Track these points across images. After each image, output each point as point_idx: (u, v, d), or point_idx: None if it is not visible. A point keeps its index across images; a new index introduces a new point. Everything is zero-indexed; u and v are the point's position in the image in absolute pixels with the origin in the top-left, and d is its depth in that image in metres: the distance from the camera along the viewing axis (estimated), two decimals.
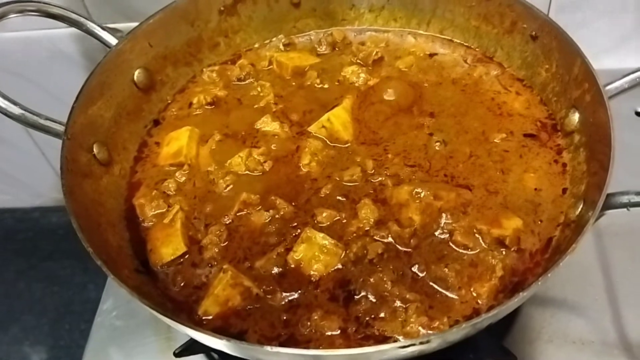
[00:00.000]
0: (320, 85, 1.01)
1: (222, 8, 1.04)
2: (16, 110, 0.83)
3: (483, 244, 0.79)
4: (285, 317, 0.75)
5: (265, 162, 0.90)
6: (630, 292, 0.92)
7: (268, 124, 0.95)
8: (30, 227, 1.69)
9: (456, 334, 0.62)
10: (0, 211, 1.68)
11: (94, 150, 0.88)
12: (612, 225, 0.97)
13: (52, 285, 1.57)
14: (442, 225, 0.80)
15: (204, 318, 0.76)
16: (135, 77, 0.97)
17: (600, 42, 1.20)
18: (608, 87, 0.80)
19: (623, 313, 0.90)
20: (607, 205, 0.69)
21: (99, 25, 0.95)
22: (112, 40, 0.95)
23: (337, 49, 1.08)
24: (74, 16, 0.94)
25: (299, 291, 0.77)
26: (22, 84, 1.35)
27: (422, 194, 0.81)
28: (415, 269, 0.77)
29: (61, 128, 0.84)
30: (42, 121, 0.85)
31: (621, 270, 0.94)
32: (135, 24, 0.98)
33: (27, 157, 1.49)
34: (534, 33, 0.93)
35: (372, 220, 0.81)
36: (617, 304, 0.91)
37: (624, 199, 0.70)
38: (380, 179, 0.86)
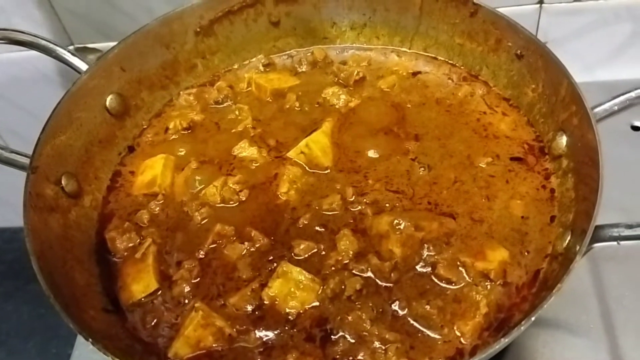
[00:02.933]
0: (299, 108, 0.97)
1: (198, 29, 1.01)
2: None
3: (467, 278, 0.75)
4: (259, 359, 0.71)
5: (241, 191, 0.87)
6: (627, 318, 0.88)
7: (246, 150, 0.92)
8: (18, 248, 1.65)
9: None
10: None
11: (62, 182, 0.84)
12: (607, 249, 0.92)
13: (40, 307, 1.54)
14: (424, 257, 0.77)
15: None
16: (107, 104, 0.94)
17: (593, 54, 1.18)
18: (596, 110, 0.76)
19: (620, 341, 0.86)
20: (596, 239, 0.66)
21: (69, 51, 0.92)
22: (83, 66, 0.92)
23: (318, 67, 1.05)
24: (43, 42, 0.91)
25: (274, 331, 0.73)
26: (1, 106, 1.33)
27: (402, 225, 0.77)
28: (395, 306, 0.73)
29: (27, 161, 0.81)
30: (6, 154, 0.82)
31: (617, 296, 0.90)
32: (114, 43, 0.95)
33: (13, 176, 1.46)
34: (519, 52, 0.90)
35: (352, 252, 0.78)
36: (614, 332, 0.87)
37: (614, 232, 0.66)
38: (360, 207, 0.83)
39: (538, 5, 1.10)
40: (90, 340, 0.64)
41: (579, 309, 0.89)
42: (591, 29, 1.14)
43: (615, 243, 0.66)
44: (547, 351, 0.86)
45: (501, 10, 0.92)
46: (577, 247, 0.66)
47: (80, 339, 0.98)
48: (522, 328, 0.60)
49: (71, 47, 1.21)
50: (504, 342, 0.59)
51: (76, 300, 0.74)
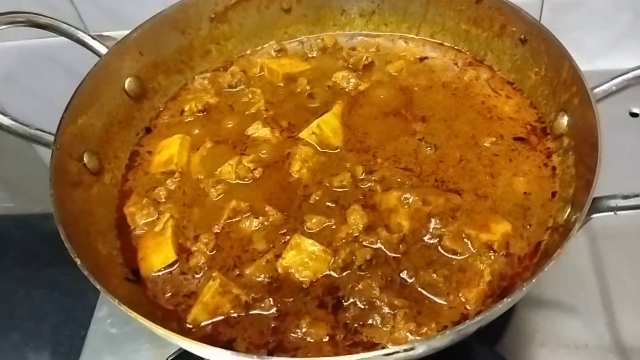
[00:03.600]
0: (310, 91, 1.01)
1: (212, 15, 1.05)
2: (6, 121, 0.83)
3: (472, 249, 0.78)
4: (274, 325, 0.75)
5: (255, 169, 0.90)
6: (624, 294, 0.91)
7: (259, 130, 0.96)
8: (30, 234, 1.69)
9: (440, 340, 0.62)
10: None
11: (85, 159, 0.88)
12: (605, 227, 0.97)
13: (52, 291, 1.57)
14: (431, 230, 0.80)
15: (193, 326, 0.76)
16: (126, 86, 0.97)
17: (595, 43, 1.21)
18: (596, 90, 0.79)
19: (617, 316, 0.89)
20: (594, 210, 0.69)
21: (89, 35, 0.96)
22: (103, 50, 0.95)
23: (328, 53, 1.09)
24: (64, 26, 0.95)
25: (289, 298, 0.77)
26: (16, 93, 1.36)
27: (411, 200, 0.81)
28: (404, 274, 0.77)
29: (51, 138, 0.84)
30: (31, 131, 0.86)
31: (615, 273, 0.93)
32: (128, 31, 0.98)
33: (26, 163, 1.49)
34: (523, 36, 0.93)
35: (362, 225, 0.81)
36: (611, 307, 0.90)
37: (611, 203, 0.69)
38: (369, 184, 0.86)
39: None
40: (116, 302, 0.67)
41: (578, 285, 0.92)
42: (592, 19, 1.17)
43: (612, 213, 0.70)
44: (548, 325, 0.89)
45: None
46: (575, 218, 0.69)
47: (98, 314, 1.03)
48: (524, 289, 0.63)
49: None
50: (507, 302, 0.62)
51: (100, 269, 0.77)
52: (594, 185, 0.69)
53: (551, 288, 0.92)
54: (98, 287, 0.69)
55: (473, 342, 0.82)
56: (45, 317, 1.55)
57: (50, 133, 0.85)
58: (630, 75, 0.77)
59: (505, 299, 0.63)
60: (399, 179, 0.86)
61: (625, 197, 0.69)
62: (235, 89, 1.04)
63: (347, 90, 1.00)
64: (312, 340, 0.73)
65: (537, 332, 0.89)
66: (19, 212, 1.70)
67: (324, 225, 0.83)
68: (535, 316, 0.90)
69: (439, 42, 1.06)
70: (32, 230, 1.69)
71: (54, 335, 1.52)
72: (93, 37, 0.96)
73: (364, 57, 1.03)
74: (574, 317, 0.90)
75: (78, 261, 0.71)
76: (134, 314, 0.67)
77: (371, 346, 0.72)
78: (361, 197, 0.85)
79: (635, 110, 1.15)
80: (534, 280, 0.63)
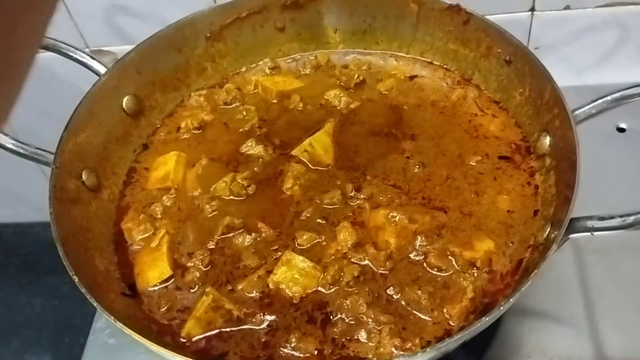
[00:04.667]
0: (303, 109, 1.03)
1: (208, 34, 1.07)
2: (6, 141, 0.86)
3: (456, 266, 0.81)
4: (264, 339, 0.78)
5: (249, 186, 0.93)
6: (608, 308, 0.93)
7: (253, 148, 0.98)
8: (31, 242, 1.72)
9: (421, 357, 0.65)
10: (1, 226, 1.72)
11: (83, 176, 0.91)
12: (590, 242, 0.98)
13: (53, 299, 1.60)
14: (417, 247, 0.83)
15: (187, 340, 0.79)
16: (124, 104, 1.00)
17: (584, 58, 1.23)
18: (577, 112, 0.82)
19: (600, 329, 0.91)
20: (571, 230, 0.72)
21: (88, 55, 0.99)
22: (101, 69, 0.98)
23: (321, 71, 1.11)
24: (64, 46, 0.97)
25: (279, 313, 0.80)
26: (17, 108, 1.39)
27: (398, 218, 0.83)
28: (390, 291, 0.80)
29: (50, 157, 0.87)
30: (32, 150, 0.88)
31: (599, 287, 0.95)
32: (128, 46, 1.01)
33: (26, 172, 1.52)
34: (508, 57, 0.96)
35: (350, 243, 0.84)
36: (595, 320, 0.92)
37: (588, 223, 0.72)
38: (358, 202, 0.89)
39: (530, 13, 1.15)
40: (112, 318, 0.70)
41: (563, 298, 0.94)
42: (580, 35, 1.19)
43: (589, 234, 0.72)
44: (533, 337, 0.91)
45: (495, 17, 0.98)
46: (553, 237, 0.72)
47: (96, 325, 1.05)
48: (502, 309, 0.66)
49: (87, 50, 1.28)
50: (485, 320, 0.65)
51: (97, 285, 0.80)
52: (572, 206, 0.72)
53: (537, 300, 0.94)
54: (95, 304, 0.72)
55: (459, 355, 0.85)
56: (45, 325, 1.57)
57: (49, 152, 0.88)
58: (608, 98, 0.80)
59: (483, 318, 0.65)
60: (389, 195, 0.89)
61: (601, 218, 0.71)
62: (230, 106, 1.07)
63: (338, 108, 1.03)
64: (301, 355, 0.75)
65: (523, 343, 0.91)
66: (20, 220, 1.73)
67: (315, 242, 0.85)
68: (521, 328, 0.92)
69: (429, 60, 1.08)
70: (33, 239, 1.72)
71: (54, 343, 1.55)
72: (92, 57, 0.98)
73: (356, 76, 1.06)
74: (558, 329, 0.92)
75: (76, 279, 0.74)
76: (128, 331, 0.69)
77: None
78: (350, 214, 0.88)
79: (622, 125, 1.17)
80: (511, 300, 0.66)
